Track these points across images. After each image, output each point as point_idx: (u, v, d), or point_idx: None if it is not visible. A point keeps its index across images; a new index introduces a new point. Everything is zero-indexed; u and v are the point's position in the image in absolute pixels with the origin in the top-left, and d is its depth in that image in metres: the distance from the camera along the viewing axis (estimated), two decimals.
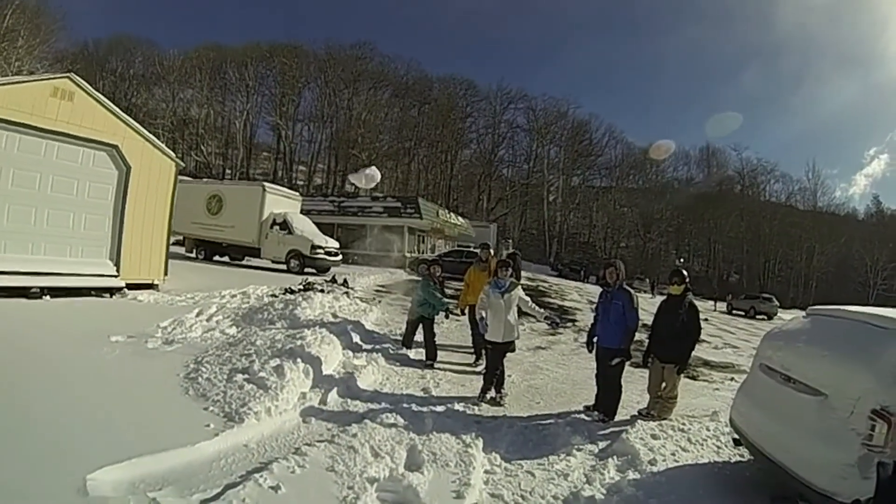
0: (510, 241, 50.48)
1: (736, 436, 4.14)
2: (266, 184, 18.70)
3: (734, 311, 32.93)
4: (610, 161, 68.29)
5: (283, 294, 9.35)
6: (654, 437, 4.69)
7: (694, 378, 8.07)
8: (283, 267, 17.01)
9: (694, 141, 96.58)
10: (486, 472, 3.75)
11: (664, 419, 5.33)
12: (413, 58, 73.60)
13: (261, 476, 2.88)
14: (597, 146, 67.69)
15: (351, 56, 63.06)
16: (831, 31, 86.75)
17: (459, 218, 39.59)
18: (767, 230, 61.17)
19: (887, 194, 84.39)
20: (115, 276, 8.27)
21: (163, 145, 9.46)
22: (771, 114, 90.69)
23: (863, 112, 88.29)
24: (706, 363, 9.83)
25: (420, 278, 8.13)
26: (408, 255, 26.69)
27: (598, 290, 6.75)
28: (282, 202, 18.45)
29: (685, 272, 5.69)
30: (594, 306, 5.89)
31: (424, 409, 5.00)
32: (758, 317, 30.88)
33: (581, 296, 22.04)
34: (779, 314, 30.94)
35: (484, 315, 5.63)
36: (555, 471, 3.88)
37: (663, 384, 5.54)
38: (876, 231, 61.72)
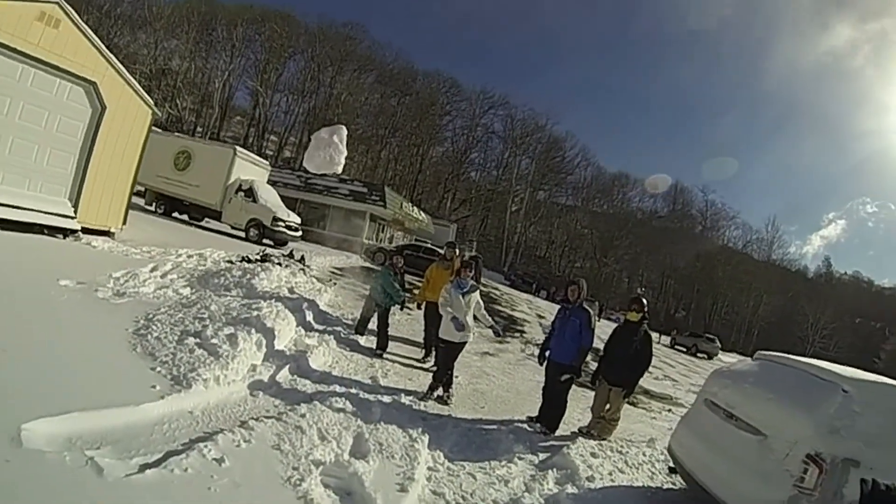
0: (474, 243, 50.76)
1: (672, 464, 4.31)
2: (238, 148, 18.18)
3: (677, 346, 34.07)
4: (578, 181, 69.23)
5: (241, 262, 9.12)
6: (593, 455, 4.82)
7: (634, 405, 8.31)
8: (242, 234, 16.66)
9: (664, 174, 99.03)
10: (429, 468, 3.77)
11: (604, 439, 5.48)
12: (402, 47, 73.13)
13: (205, 446, 2.80)
14: (568, 164, 68.39)
15: (341, 35, 61.94)
16: (812, 95, 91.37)
17: (422, 213, 39.46)
18: (720, 273, 63.49)
19: (839, 258, 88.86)
20: (72, 218, 7.84)
21: (142, 91, 9.04)
22: (743, 162, 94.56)
23: (829, 177, 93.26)
24: (646, 392, 10.14)
25: (378, 268, 8.06)
26: (366, 241, 26.49)
27: (547, 304, 6.92)
28: (250, 169, 17.99)
29: (645, 301, 5.85)
30: (552, 321, 5.98)
31: (372, 397, 4.99)
32: (699, 355, 32.07)
33: (531, 308, 22.33)
34: (719, 355, 32.25)
35: (450, 310, 5.65)
36: (496, 476, 3.94)
37: (608, 406, 5.70)
38: (822, 291, 65.32)
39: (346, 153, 7.84)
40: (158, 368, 3.74)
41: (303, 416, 3.66)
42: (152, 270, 6.67)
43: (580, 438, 5.33)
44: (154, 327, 4.46)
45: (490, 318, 6.22)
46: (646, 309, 5.76)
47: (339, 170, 7.95)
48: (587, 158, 68.36)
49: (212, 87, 57.11)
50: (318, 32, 60.98)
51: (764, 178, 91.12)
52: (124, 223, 9.20)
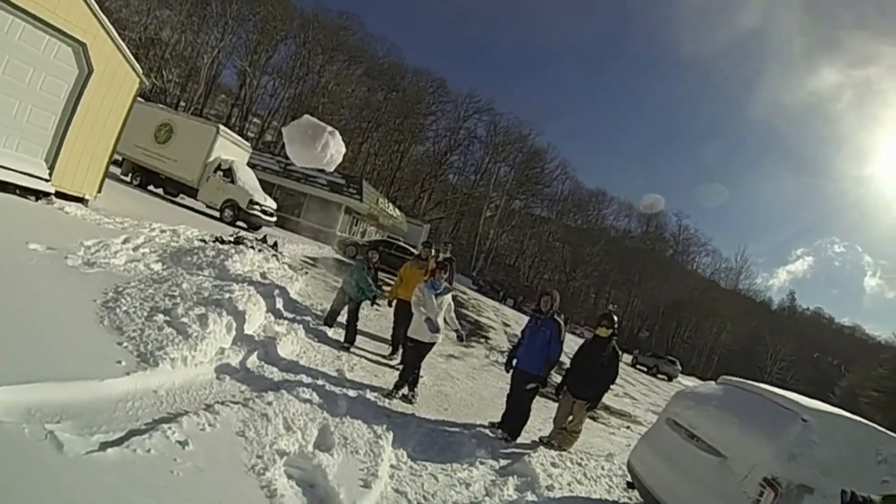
0: (449, 245, 50.82)
1: (630, 479, 4.41)
2: (221, 127, 17.86)
3: (638, 366, 34.73)
4: (555, 194, 69.51)
5: (214, 242, 8.96)
6: (553, 465, 4.88)
7: (594, 419, 8.45)
8: (216, 214, 16.42)
9: (640, 196, 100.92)
10: (392, 466, 3.78)
11: (564, 450, 5.57)
12: (395, 42, 72.75)
13: (169, 428, 2.74)
14: (547, 176, 68.65)
15: (335, 24, 61.36)
16: (794, 132, 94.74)
17: (397, 210, 39.42)
18: (687, 298, 64.89)
19: (803, 294, 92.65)
20: (47, 181, 7.54)
21: (132, 58, 8.78)
22: (720, 191, 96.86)
23: (801, 214, 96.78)
24: (607, 407, 10.32)
25: (349, 261, 8.02)
26: (339, 233, 26.32)
27: (513, 313, 7.00)
28: (231, 149, 17.69)
29: (615, 318, 5.96)
30: (522, 329, 6.04)
31: (338, 390, 4.97)
32: (659, 376, 32.76)
33: (497, 315, 22.50)
34: (679, 378, 32.99)
35: (424, 310, 5.65)
36: (457, 478, 3.97)
37: (570, 418, 5.78)
38: (784, 324, 67.53)
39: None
40: (125, 344, 3.63)
41: (269, 403, 3.62)
42: (124, 242, 6.49)
43: (541, 448, 5.41)
44: (123, 301, 4.34)
45: (457, 322, 6.26)
46: (615, 325, 5.86)
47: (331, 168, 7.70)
48: (566, 172, 68.85)
49: (200, 62, 55.85)
50: (312, 19, 60.28)
51: (738, 207, 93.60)
52: (99, 191, 8.93)
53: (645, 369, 33.97)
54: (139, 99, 10.52)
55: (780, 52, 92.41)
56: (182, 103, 53.74)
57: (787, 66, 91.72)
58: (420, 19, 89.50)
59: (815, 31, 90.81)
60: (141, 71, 9.10)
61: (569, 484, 4.56)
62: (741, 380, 4.35)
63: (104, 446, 2.43)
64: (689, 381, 28.80)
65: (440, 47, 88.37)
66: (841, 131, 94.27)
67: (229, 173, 16.60)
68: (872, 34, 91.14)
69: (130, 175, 17.69)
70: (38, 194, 7.41)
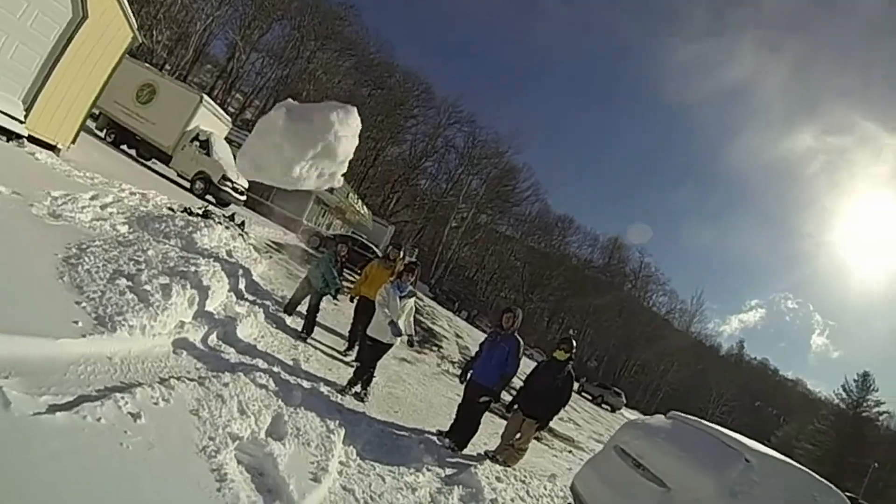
0: (416, 250, 50.75)
1: (572, 502, 4.50)
2: (205, 96, 17.44)
3: (583, 393, 35.26)
4: (523, 214, 70.08)
5: (182, 212, 8.73)
6: (498, 479, 4.95)
7: (538, 440, 8.54)
8: (187, 185, 15.99)
9: (606, 228, 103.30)
10: (341, 462, 3.74)
11: (509, 466, 5.64)
12: (388, 39, 72.30)
13: (122, 398, 2.63)
14: (517, 196, 69.04)
15: (333, 13, 60.75)
16: (763, 187, 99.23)
17: (364, 207, 39.28)
18: (638, 333, 66.56)
19: (752, 343, 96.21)
20: (21, 122, 7.16)
21: (130, 11, 8.49)
22: (685, 233, 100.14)
23: (759, 266, 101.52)
24: (551, 430, 10.44)
25: (313, 251, 7.90)
26: (306, 222, 26.02)
27: (466, 325, 7.07)
28: (212, 121, 17.30)
29: (574, 343, 6.08)
30: (481, 342, 6.09)
31: (293, 380, 4.90)
32: (603, 406, 33.38)
33: (450, 326, 22.62)
34: (623, 410, 33.72)
35: (388, 311, 5.64)
36: (404, 482, 3.97)
37: (518, 435, 5.85)
38: (730, 370, 70.26)
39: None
40: (84, 304, 3.50)
41: (225, 385, 3.54)
42: (92, 199, 6.25)
43: (487, 461, 5.47)
44: (86, 259, 4.18)
45: (413, 327, 6.27)
46: (573, 351, 5.97)
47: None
48: (537, 194, 69.51)
49: (192, 28, 54.39)
50: (311, 3, 59.63)
51: (700, 252, 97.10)
52: (73, 142, 8.59)
53: (590, 398, 34.51)
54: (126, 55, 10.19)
55: (762, 110, 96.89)
56: (167, 66, 52.15)
57: (767, 124, 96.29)
58: (419, 19, 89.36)
59: (799, 94, 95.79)
60: (136, 26, 8.82)
61: (512, 500, 4.62)
62: (691, 416, 4.52)
63: (53, 409, 2.33)
64: (631, 415, 29.44)
65: (433, 50, 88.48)
66: (808, 193, 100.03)
67: (206, 145, 16.18)
68: (851, 106, 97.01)
69: (105, 131, 17.05)
70: (10, 135, 7.07)
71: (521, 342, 5.76)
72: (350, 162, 5.83)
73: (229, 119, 19.65)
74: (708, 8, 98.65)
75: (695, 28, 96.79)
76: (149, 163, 16.85)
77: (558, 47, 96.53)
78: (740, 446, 3.76)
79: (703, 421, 4.38)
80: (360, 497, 3.40)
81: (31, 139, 7.48)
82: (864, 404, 60.58)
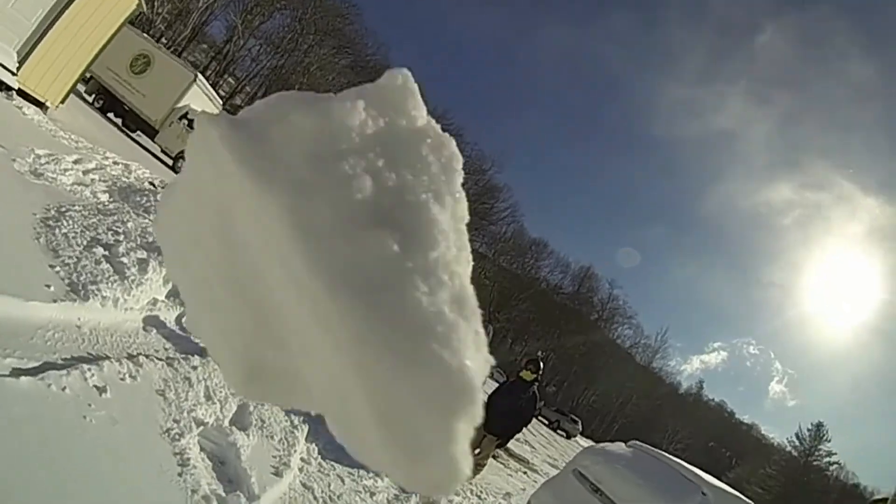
0: None
1: None
2: (199, 75, 17.22)
3: (540, 418, 35.39)
4: (498, 233, 70.17)
5: (165, 189, 8.55)
6: (455, 492, 4.92)
7: (494, 457, 8.57)
8: (169, 162, 15.73)
9: (579, 257, 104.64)
10: (302, 459, 3.69)
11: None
12: (386, 42, 72.29)
13: (89, 369, 2.56)
14: (495, 215, 69.07)
15: (336, 9, 60.60)
16: (737, 233, 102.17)
17: None
18: (600, 363, 67.15)
19: (711, 384, 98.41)
20: (13, 74, 6.94)
21: None
22: (656, 270, 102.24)
23: (725, 311, 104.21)
24: (507, 450, 10.48)
25: None
26: None
27: None
28: (203, 101, 17.09)
29: (542, 364, 6.12)
30: None
31: None
32: (559, 431, 33.59)
33: None
34: (578, 437, 33.95)
35: None
36: (363, 485, 3.94)
37: (477, 451, 5.85)
38: (687, 409, 71.47)
39: None
40: (58, 269, 3.40)
41: (194, 368, 3.47)
42: (76, 162, 6.08)
43: None
44: (64, 223, 4.06)
45: None
46: (540, 371, 6.01)
47: None
48: (514, 216, 69.83)
49: (194, 5, 53.74)
50: None
51: (669, 290, 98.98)
52: (62, 102, 8.36)
53: (546, 423, 34.65)
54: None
55: (744, 158, 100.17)
56: (164, 40, 51.30)
57: (748, 172, 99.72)
58: (419, 23, 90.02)
59: (782, 148, 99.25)
60: None
61: None
62: (651, 447, 4.60)
63: (17, 373, 2.25)
64: (586, 443, 29.70)
65: (430, 57, 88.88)
66: (781, 244, 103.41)
67: (193, 125, 15.99)
68: (832, 165, 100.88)
69: (94, 96, 16.69)
70: (1, 85, 6.85)
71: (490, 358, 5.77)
72: None
73: (220, 102, 19.43)
74: (704, 54, 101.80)
75: (688, 71, 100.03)
76: (134, 134, 16.50)
77: (552, 76, 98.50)
78: (698, 479, 3.84)
79: (663, 452, 4.46)
80: (319, 496, 3.36)
81: (21, 93, 7.26)
82: (816, 453, 62.39)
